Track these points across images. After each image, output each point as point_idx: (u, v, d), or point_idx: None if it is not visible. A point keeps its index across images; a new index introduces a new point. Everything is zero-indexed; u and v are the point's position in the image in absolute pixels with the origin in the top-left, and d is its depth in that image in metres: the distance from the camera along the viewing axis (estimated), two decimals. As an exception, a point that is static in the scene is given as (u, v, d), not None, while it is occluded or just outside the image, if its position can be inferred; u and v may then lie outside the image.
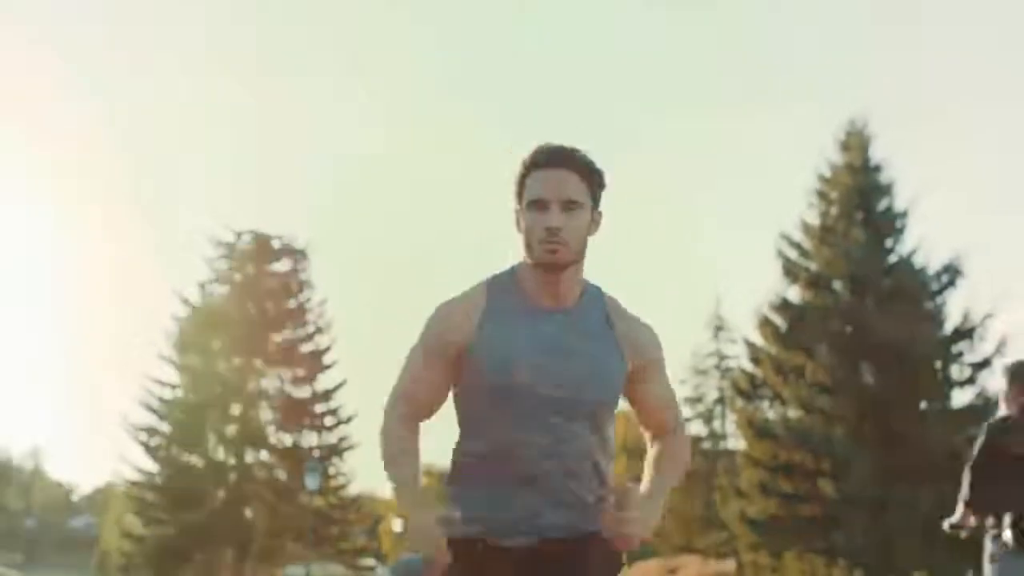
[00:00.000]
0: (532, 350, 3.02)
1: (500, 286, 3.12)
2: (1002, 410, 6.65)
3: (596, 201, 3.10)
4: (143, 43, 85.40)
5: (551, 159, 3.05)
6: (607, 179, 3.14)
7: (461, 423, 3.15)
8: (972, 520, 6.55)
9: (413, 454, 3.13)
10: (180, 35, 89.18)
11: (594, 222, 3.11)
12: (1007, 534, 6.22)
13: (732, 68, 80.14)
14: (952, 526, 6.66)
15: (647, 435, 3.31)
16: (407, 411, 3.12)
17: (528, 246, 3.06)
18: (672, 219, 76.54)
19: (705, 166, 78.32)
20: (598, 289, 3.18)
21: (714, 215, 75.32)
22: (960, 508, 6.56)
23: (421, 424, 3.21)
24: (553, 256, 3.00)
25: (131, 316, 73.19)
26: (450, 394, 3.16)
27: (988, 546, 6.43)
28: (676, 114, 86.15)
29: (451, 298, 3.14)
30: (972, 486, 6.48)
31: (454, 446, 3.15)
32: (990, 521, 6.39)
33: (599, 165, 3.11)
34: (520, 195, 3.08)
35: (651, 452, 3.27)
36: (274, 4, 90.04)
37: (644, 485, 3.16)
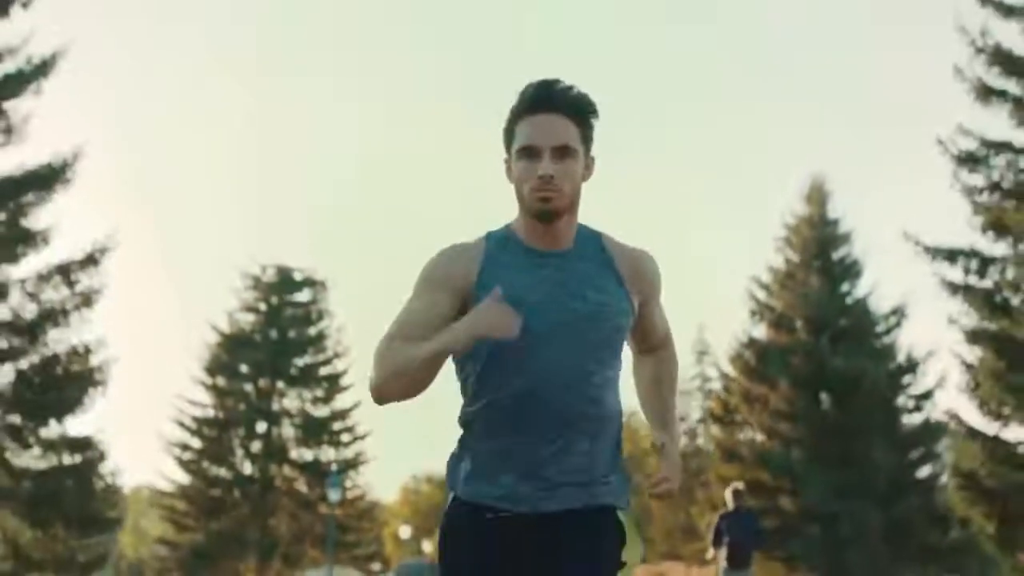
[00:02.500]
0: (536, 290, 3.03)
1: (497, 237, 3.14)
2: None
3: (588, 145, 3.09)
4: (146, 48, 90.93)
5: (540, 103, 3.03)
6: (598, 118, 3.11)
7: (469, 376, 3.12)
8: None
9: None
10: (188, 43, 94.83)
11: (587, 168, 3.10)
12: None
13: (731, 71, 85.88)
14: None
15: (633, 347, 3.39)
16: (405, 338, 3.01)
17: (520, 196, 3.06)
18: (661, 240, 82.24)
19: (699, 181, 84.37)
20: (595, 232, 3.20)
21: (703, 240, 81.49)
22: None
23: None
24: (547, 204, 3.01)
25: (166, 342, 79.09)
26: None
27: None
28: (671, 121, 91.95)
29: (449, 246, 3.14)
30: None
31: (462, 408, 3.15)
32: None
33: (591, 101, 3.10)
34: (509, 143, 3.09)
35: (645, 368, 3.39)
36: (275, 7, 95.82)
37: (658, 418, 3.33)
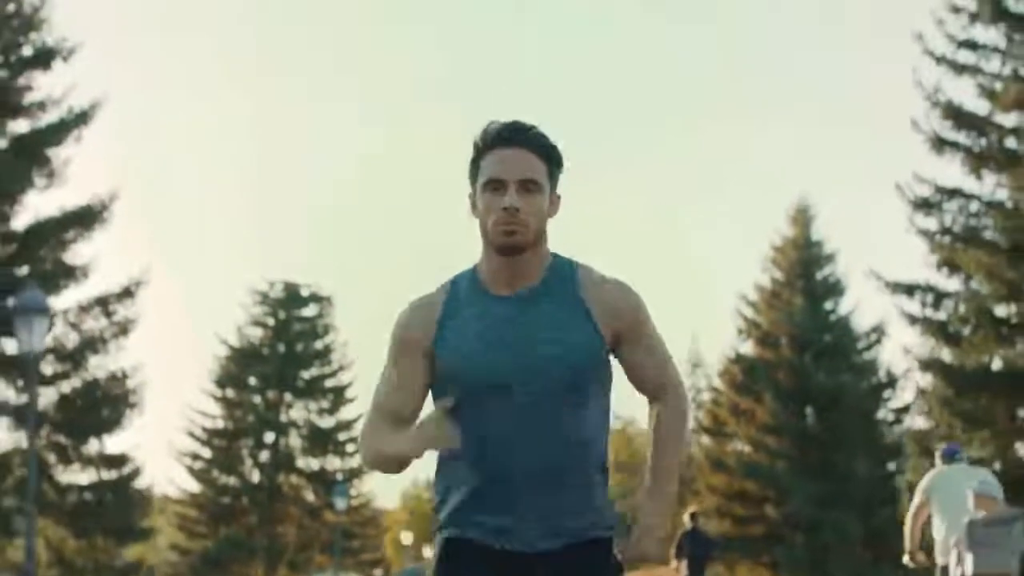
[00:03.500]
0: (487, 341, 3.04)
1: (460, 283, 3.14)
2: None
3: (554, 182, 3.11)
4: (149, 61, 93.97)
5: (506, 138, 3.05)
6: (564, 159, 3.12)
7: None
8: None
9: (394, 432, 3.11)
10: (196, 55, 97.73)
11: (552, 204, 3.11)
12: None
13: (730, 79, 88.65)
14: None
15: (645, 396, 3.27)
16: (383, 418, 3.14)
17: (484, 229, 3.05)
18: (652, 253, 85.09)
19: (698, 187, 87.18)
20: (569, 262, 3.16)
21: (700, 249, 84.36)
22: None
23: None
24: (511, 238, 3.01)
25: (177, 355, 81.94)
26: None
27: None
28: (666, 128, 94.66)
29: (412, 302, 3.18)
30: None
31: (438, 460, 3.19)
32: None
33: (557, 148, 3.11)
34: (475, 176, 3.09)
35: (649, 421, 3.24)
36: (276, 9, 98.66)
37: (647, 483, 3.16)
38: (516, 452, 3.04)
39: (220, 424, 45.55)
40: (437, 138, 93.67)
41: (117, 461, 25.47)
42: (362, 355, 51.34)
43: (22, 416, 23.37)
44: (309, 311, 46.98)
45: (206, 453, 45.25)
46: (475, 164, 3.10)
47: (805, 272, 39.22)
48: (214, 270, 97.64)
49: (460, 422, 3.02)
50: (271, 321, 46.58)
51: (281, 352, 45.99)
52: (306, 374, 46.20)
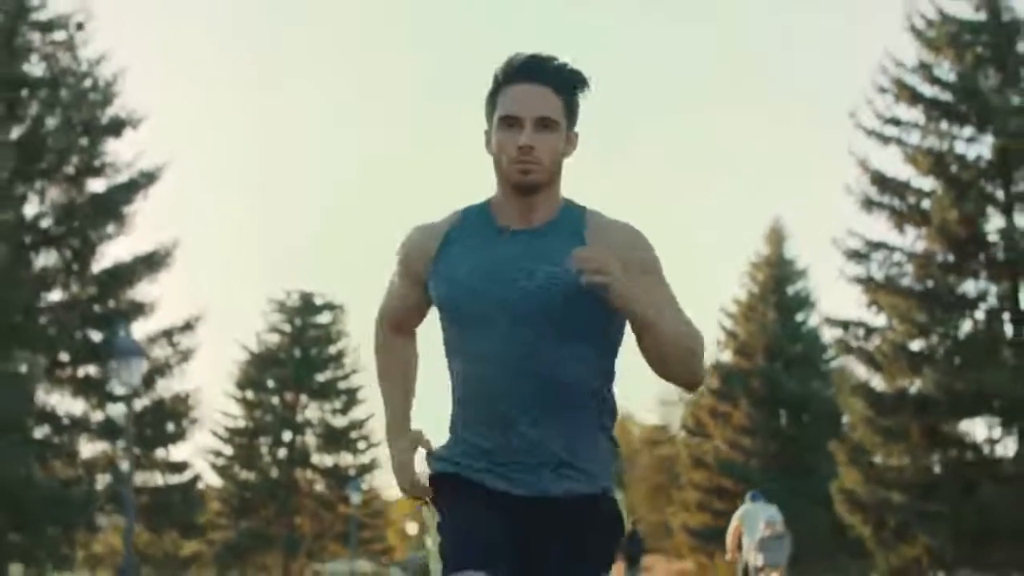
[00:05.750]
0: (480, 270, 3.13)
1: (470, 214, 3.25)
2: None
3: (573, 119, 3.17)
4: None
5: (524, 73, 3.12)
6: (586, 90, 3.18)
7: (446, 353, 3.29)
8: None
9: (398, 367, 3.43)
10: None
11: (570, 142, 3.18)
12: None
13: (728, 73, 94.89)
14: None
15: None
16: (391, 325, 3.43)
17: (499, 166, 3.14)
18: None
19: (697, 176, 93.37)
20: (579, 208, 3.22)
21: (697, 245, 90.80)
22: None
23: (416, 332, 3.46)
24: (525, 177, 3.08)
25: (201, 360, 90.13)
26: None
27: None
28: (660, 120, 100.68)
29: (421, 224, 3.33)
30: None
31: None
32: None
33: (580, 73, 3.16)
34: (490, 113, 3.17)
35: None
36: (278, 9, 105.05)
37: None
38: (501, 386, 3.10)
39: (241, 424, 50.92)
40: (440, 124, 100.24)
41: (180, 467, 31.87)
42: (373, 359, 57.10)
43: (103, 430, 29.66)
44: (323, 318, 52.72)
45: (228, 451, 50.79)
46: (491, 99, 3.16)
47: (778, 288, 45.40)
48: (230, 281, 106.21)
49: (451, 354, 3.21)
50: (288, 328, 52.34)
51: (297, 356, 51.55)
52: (321, 377, 51.71)
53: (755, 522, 16.67)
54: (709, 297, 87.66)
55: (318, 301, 52.82)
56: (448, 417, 3.29)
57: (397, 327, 3.43)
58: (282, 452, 51.17)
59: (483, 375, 3.15)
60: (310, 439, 51.57)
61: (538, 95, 3.11)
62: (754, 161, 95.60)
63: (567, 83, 3.15)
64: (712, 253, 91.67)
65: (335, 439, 51.55)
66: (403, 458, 3.29)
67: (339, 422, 51.96)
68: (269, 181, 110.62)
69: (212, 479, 50.18)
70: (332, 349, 52.55)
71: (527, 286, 3.10)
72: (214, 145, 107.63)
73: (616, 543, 3.27)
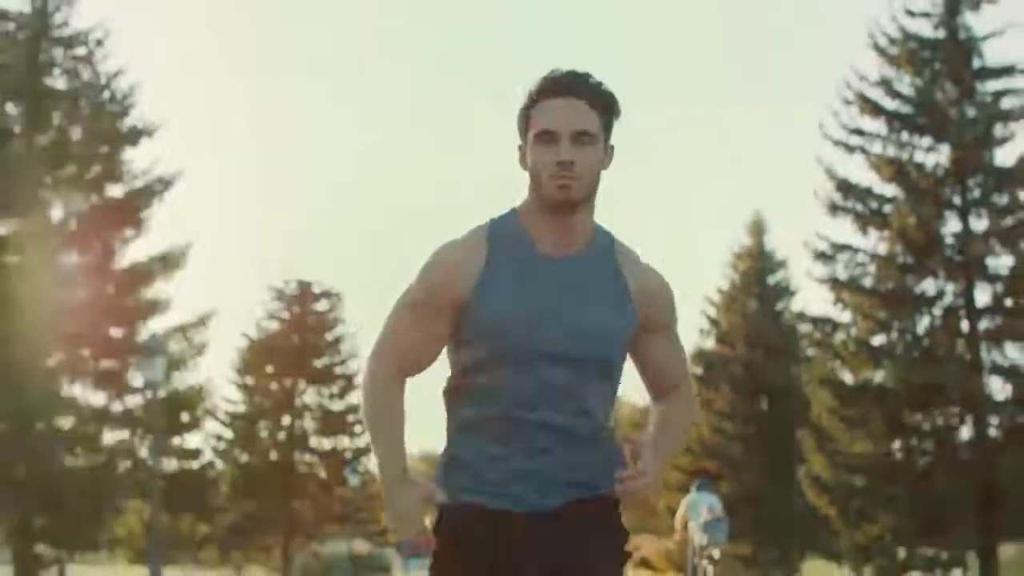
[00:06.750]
0: (533, 306, 3.17)
1: (502, 233, 3.25)
2: None
3: (608, 133, 3.24)
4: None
5: (560, 87, 3.18)
6: (620, 113, 3.26)
7: (457, 381, 3.34)
8: None
9: (398, 416, 3.29)
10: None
11: (607, 156, 3.24)
12: None
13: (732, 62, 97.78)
14: None
15: (651, 395, 3.49)
16: (394, 364, 3.29)
17: (536, 183, 3.18)
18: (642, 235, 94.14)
19: (690, 165, 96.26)
20: (609, 235, 3.33)
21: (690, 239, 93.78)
22: None
23: (408, 382, 3.34)
24: (565, 193, 3.13)
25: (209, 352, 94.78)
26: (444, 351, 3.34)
27: None
28: (657, 115, 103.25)
29: (449, 245, 3.29)
30: None
31: (449, 408, 3.38)
32: None
33: (615, 96, 3.24)
34: (526, 128, 3.21)
35: (654, 415, 3.45)
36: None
37: (650, 442, 3.30)
38: (532, 421, 3.19)
39: (242, 408, 53.85)
40: (437, 119, 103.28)
41: (194, 454, 34.96)
42: (368, 345, 59.76)
43: (123, 420, 32.68)
44: (321, 306, 55.35)
45: (228, 434, 53.55)
46: (526, 115, 3.21)
47: (759, 278, 48.38)
48: (238, 277, 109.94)
49: (487, 383, 3.24)
50: (286, 315, 55.04)
51: (295, 343, 54.19)
52: (318, 363, 53.84)
53: (699, 508, 19.86)
54: (695, 286, 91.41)
55: (316, 289, 55.37)
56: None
57: (406, 368, 3.35)
58: (281, 436, 53.35)
59: (512, 405, 3.22)
60: (308, 423, 53.79)
61: (576, 109, 3.17)
62: (739, 157, 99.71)
63: (603, 98, 3.22)
64: (699, 243, 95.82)
65: (332, 423, 53.62)
66: (411, 510, 3.24)
67: (336, 406, 54.01)
68: (270, 177, 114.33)
69: (215, 462, 52.93)
70: (329, 336, 55.04)
71: (575, 327, 3.19)
72: (221, 145, 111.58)
73: (626, 540, 3.46)
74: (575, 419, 3.25)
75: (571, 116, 3.15)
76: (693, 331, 50.22)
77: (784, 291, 48.70)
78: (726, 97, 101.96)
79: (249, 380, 53.86)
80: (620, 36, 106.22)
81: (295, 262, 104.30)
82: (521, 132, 3.24)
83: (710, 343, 48.99)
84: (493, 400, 3.27)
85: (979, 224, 31.80)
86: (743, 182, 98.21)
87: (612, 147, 3.26)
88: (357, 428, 54.38)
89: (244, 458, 53.17)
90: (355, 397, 54.12)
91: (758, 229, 49.00)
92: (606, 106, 3.22)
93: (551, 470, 3.26)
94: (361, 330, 56.37)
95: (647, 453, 3.23)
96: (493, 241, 3.26)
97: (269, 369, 53.72)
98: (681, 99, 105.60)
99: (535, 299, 3.21)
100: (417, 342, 3.31)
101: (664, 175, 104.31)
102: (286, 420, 53.54)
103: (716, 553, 19.72)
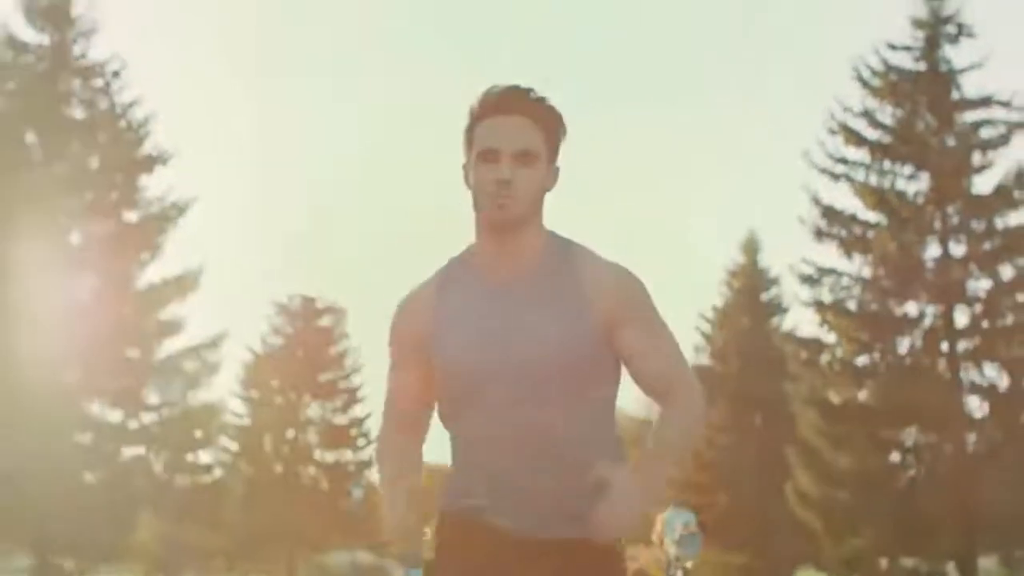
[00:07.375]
0: (473, 339, 3.17)
1: (453, 269, 3.27)
2: None
3: (554, 152, 3.19)
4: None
5: (502, 104, 3.13)
6: (565, 132, 3.20)
7: (443, 409, 3.36)
8: None
9: (399, 457, 3.38)
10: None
11: (551, 176, 3.19)
12: None
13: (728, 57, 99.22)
14: None
15: (651, 398, 3.39)
16: (393, 423, 3.41)
17: (476, 203, 3.17)
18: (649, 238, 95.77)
19: (685, 163, 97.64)
20: (565, 241, 3.26)
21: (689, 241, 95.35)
22: None
23: (425, 432, 3.45)
24: (503, 213, 3.11)
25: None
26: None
27: None
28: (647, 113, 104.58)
29: (408, 294, 3.34)
30: None
31: (446, 428, 3.41)
32: None
33: (560, 113, 3.18)
34: (469, 146, 3.17)
35: (655, 420, 3.32)
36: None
37: (633, 466, 3.15)
38: (504, 450, 3.15)
39: (246, 422, 55.18)
40: (440, 127, 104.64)
41: (206, 469, 36.82)
42: (371, 359, 61.31)
43: (139, 436, 34.54)
44: (324, 321, 57.03)
45: (234, 447, 55.16)
46: (470, 132, 3.17)
47: (752, 295, 50.18)
48: (246, 296, 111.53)
49: (454, 419, 3.27)
50: (290, 330, 56.67)
51: (300, 357, 55.80)
52: (322, 377, 55.67)
53: (674, 524, 21.79)
54: (688, 304, 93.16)
55: (319, 305, 56.93)
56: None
57: (405, 419, 3.43)
58: (285, 449, 54.69)
59: (483, 441, 3.21)
60: (312, 437, 55.10)
61: (517, 127, 3.12)
62: (734, 175, 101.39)
63: (547, 115, 3.18)
64: (695, 262, 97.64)
65: (336, 436, 55.02)
66: (414, 528, 3.27)
67: (339, 420, 55.47)
68: (272, 191, 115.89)
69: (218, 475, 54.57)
70: (332, 350, 56.61)
71: (522, 352, 3.15)
72: (232, 170, 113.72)
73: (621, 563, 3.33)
74: (533, 449, 3.20)
75: (513, 134, 3.12)
76: (688, 348, 52.02)
77: (777, 308, 50.51)
78: (721, 114, 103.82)
79: (254, 394, 55.38)
80: (620, 36, 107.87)
81: (300, 274, 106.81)
82: (466, 150, 3.22)
83: (705, 359, 50.79)
84: (462, 436, 3.33)
85: (958, 249, 33.70)
86: (738, 202, 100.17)
87: (558, 168, 3.24)
88: (360, 441, 55.89)
89: (249, 471, 54.78)
90: (358, 410, 55.80)
91: (752, 248, 50.81)
92: (550, 123, 3.20)
93: (520, 500, 3.24)
94: (365, 343, 58.27)
95: (620, 478, 3.05)
96: (443, 283, 3.30)
97: (274, 383, 55.26)
98: (679, 111, 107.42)
99: (477, 331, 3.22)
100: (411, 397, 3.39)
101: (661, 190, 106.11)
102: (290, 433, 54.91)
103: (689, 564, 21.56)
